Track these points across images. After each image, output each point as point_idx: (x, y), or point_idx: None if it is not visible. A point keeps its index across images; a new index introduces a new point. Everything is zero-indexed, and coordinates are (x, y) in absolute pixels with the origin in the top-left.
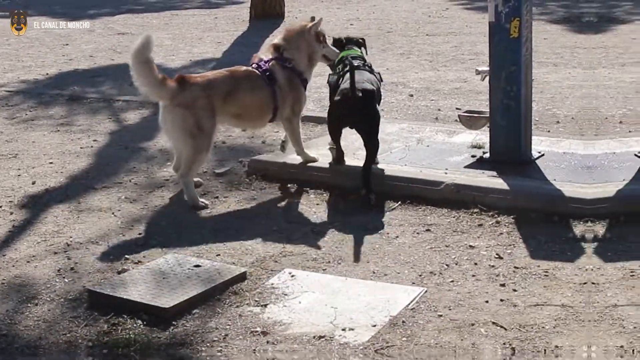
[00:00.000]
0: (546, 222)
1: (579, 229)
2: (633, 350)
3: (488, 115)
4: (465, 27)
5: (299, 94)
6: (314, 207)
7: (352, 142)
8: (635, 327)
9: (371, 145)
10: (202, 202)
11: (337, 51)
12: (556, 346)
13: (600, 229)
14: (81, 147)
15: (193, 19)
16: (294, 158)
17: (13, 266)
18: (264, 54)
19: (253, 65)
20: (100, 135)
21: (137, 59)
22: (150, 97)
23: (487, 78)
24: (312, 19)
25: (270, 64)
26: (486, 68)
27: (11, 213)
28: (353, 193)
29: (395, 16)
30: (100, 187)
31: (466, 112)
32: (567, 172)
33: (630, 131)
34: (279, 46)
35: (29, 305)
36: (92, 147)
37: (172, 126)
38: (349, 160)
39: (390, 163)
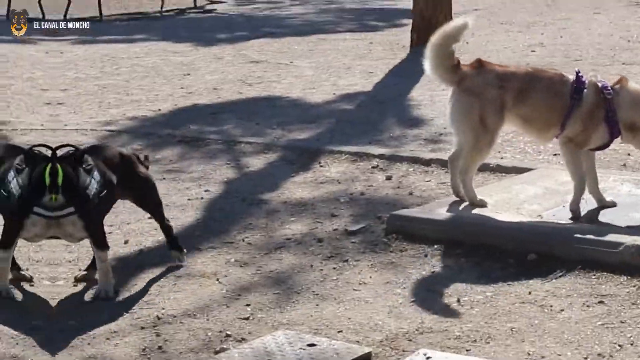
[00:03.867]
0: None
1: None
2: None
3: None
4: None
5: (592, 126)
6: (463, 272)
7: (516, 195)
8: None
9: None
10: (482, 199)
11: None
12: None
13: None
14: (189, 199)
15: (343, 45)
16: (445, 214)
17: (89, 344)
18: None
19: (575, 71)
20: (214, 185)
21: (439, 41)
22: (442, 81)
23: None
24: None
25: (591, 80)
26: None
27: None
28: (512, 256)
29: (587, 41)
30: (207, 247)
31: None
32: None
33: None
34: (625, 81)
35: None
36: (202, 198)
37: (453, 112)
38: (512, 216)
39: (562, 219)
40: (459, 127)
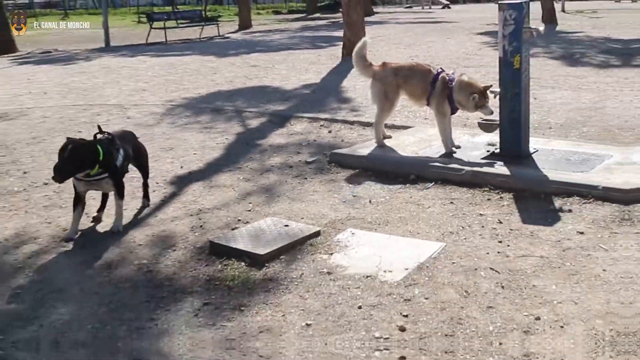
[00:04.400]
0: (535, 198)
1: (558, 202)
2: (583, 285)
3: (499, 123)
4: (491, 61)
5: (441, 102)
6: (373, 185)
7: (403, 141)
8: (585, 269)
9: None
10: (383, 142)
11: (492, 111)
12: (533, 285)
13: (572, 203)
14: (217, 143)
15: (303, 56)
16: (362, 152)
17: (161, 224)
18: (450, 71)
19: (437, 68)
20: (230, 135)
21: (356, 54)
22: (363, 76)
23: (498, 97)
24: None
25: (442, 75)
26: (498, 90)
27: (164, 188)
28: (401, 176)
29: (444, 54)
30: (226, 170)
31: (484, 120)
32: (553, 163)
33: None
34: (461, 75)
35: (169, 251)
36: (224, 143)
37: (372, 92)
38: (401, 153)
39: (430, 155)
40: (374, 100)
